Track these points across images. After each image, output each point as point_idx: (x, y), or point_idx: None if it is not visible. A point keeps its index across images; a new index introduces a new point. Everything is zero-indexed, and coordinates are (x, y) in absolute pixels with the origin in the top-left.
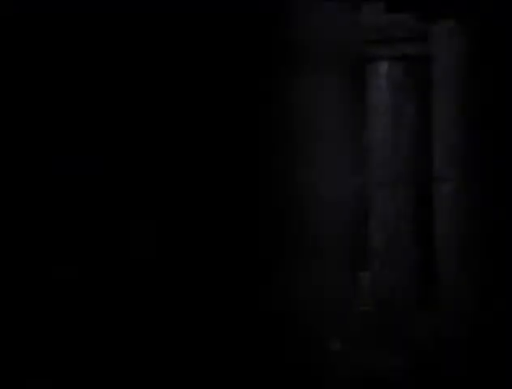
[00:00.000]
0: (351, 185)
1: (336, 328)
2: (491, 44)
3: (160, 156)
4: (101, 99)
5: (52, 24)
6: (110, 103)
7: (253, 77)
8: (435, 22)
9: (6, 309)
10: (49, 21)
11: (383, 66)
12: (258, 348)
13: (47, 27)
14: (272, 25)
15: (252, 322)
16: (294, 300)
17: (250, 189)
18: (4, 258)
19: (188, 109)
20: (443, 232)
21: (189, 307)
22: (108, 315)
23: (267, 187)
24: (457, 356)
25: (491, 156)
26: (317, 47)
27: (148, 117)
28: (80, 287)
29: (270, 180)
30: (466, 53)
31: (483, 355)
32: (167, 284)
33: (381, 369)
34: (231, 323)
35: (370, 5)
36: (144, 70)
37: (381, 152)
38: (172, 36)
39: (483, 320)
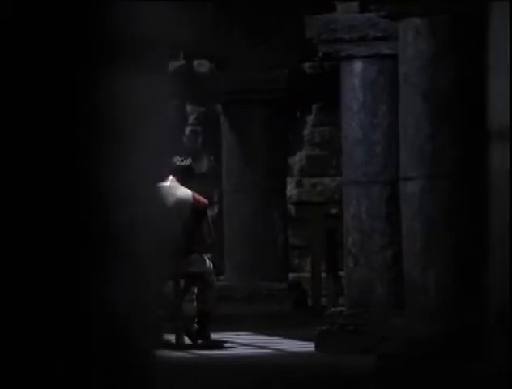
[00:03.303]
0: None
1: (153, 330)
2: (458, 42)
3: None
4: None
5: None
6: None
7: (63, 73)
8: (401, 20)
9: None
10: None
11: (357, 66)
12: (71, 349)
13: None
14: (86, 22)
15: (64, 323)
16: (107, 300)
17: (61, 188)
18: None
19: None
20: (408, 232)
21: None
22: None
23: (78, 186)
24: (426, 356)
25: (457, 154)
26: (136, 46)
27: None
28: None
29: (82, 180)
30: (432, 51)
31: (452, 355)
32: None
33: (350, 369)
34: (42, 324)
35: (344, 4)
36: None
37: (356, 151)
38: None
39: (450, 320)
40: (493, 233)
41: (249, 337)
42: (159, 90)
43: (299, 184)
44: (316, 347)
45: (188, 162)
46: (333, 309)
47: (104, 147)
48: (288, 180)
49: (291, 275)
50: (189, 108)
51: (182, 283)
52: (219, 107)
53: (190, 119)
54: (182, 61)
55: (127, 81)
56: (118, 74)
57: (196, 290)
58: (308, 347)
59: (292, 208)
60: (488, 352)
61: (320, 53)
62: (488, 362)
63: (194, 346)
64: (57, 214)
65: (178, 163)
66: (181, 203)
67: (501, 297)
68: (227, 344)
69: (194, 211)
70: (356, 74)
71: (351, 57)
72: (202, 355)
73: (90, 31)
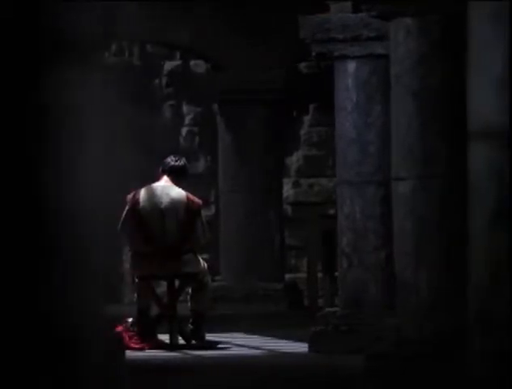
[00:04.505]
0: (116, 190)
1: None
2: (448, 41)
3: None
4: None
5: None
6: None
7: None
8: (392, 20)
9: None
10: None
11: (351, 65)
12: (31, 349)
13: None
14: (33, 23)
15: (23, 323)
16: (59, 301)
17: (18, 191)
18: None
19: None
20: (400, 232)
21: None
22: None
23: (34, 191)
24: (418, 356)
25: (448, 154)
26: (81, 45)
27: None
28: None
29: (36, 184)
30: (423, 50)
31: (444, 355)
32: None
33: (346, 369)
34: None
35: (338, 4)
36: None
37: (350, 152)
38: None
39: (442, 320)
40: (473, 233)
41: (245, 337)
42: (102, 89)
43: (296, 184)
44: (310, 347)
45: (182, 162)
46: (328, 309)
47: (50, 147)
48: (285, 180)
49: (287, 276)
50: (185, 108)
51: (177, 283)
52: (215, 107)
53: (187, 119)
54: (179, 62)
55: (72, 80)
56: (63, 73)
57: (190, 290)
58: (304, 347)
59: (288, 209)
60: (464, 353)
61: (314, 53)
62: (466, 363)
63: (189, 346)
64: (6, 213)
65: (172, 163)
66: (175, 203)
67: (481, 297)
68: (221, 345)
69: (188, 211)
70: (349, 74)
71: (344, 57)
72: (196, 355)
73: (35, 31)
